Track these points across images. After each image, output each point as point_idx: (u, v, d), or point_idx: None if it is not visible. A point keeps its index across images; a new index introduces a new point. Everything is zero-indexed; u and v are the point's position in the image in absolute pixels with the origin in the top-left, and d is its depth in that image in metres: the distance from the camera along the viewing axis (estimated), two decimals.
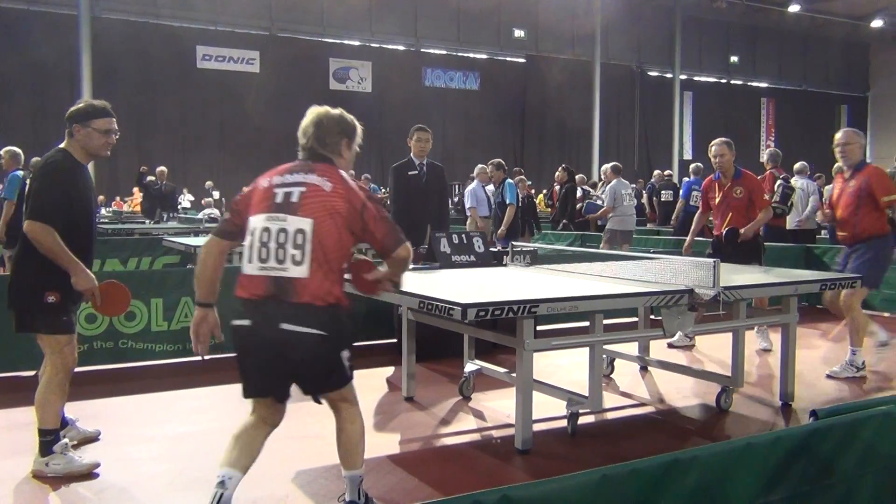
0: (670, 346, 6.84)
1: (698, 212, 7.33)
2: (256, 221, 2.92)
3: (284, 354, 2.84)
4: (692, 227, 7.22)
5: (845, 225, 6.08)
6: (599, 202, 11.76)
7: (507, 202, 9.79)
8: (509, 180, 10.15)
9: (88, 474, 3.81)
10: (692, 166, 12.88)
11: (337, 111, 3.16)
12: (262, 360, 2.90)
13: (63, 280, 3.74)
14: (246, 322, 2.89)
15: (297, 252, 2.81)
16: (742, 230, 6.43)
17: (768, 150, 10.55)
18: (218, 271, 3.06)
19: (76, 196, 3.81)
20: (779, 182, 9.57)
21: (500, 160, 10.22)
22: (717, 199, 6.72)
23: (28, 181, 4.03)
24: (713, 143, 6.75)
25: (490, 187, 12.81)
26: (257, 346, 2.88)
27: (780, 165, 9.94)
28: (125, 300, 4.13)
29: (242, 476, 2.92)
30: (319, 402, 3.06)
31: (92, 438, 4.30)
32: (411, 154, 6.86)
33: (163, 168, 15.58)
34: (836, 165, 6.71)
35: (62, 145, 3.88)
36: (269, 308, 2.83)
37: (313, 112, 3.14)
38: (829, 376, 5.95)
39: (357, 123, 3.21)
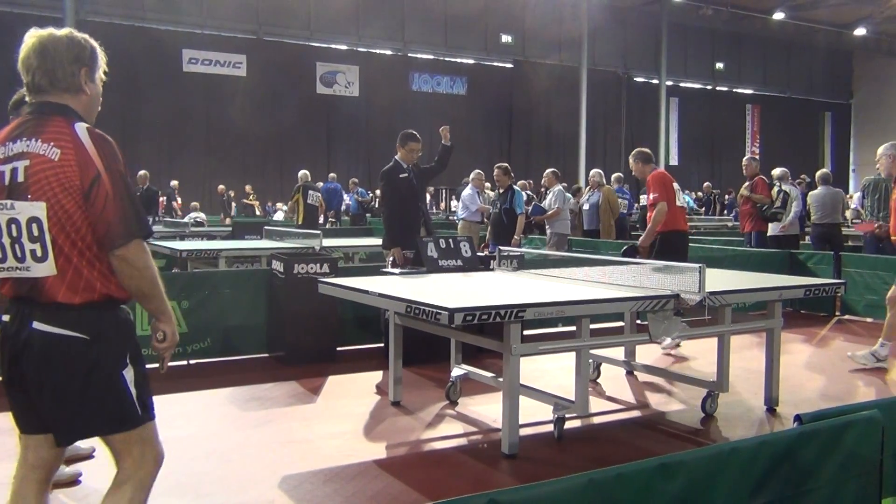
0: (664, 350, 6.85)
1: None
2: None
3: (35, 365, 2.27)
4: None
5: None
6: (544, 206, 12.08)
7: (518, 211, 10.01)
8: (517, 188, 10.37)
9: (70, 482, 3.77)
10: (614, 176, 13.37)
11: (64, 31, 2.42)
12: (14, 369, 2.33)
13: None
14: (6, 318, 2.36)
15: (36, 246, 2.24)
16: (639, 243, 6.73)
17: (752, 157, 10.66)
18: None
19: None
20: (777, 188, 9.82)
21: (506, 165, 10.41)
22: None
23: None
24: None
25: (488, 192, 13.01)
26: (10, 349, 2.33)
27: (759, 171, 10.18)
28: None
29: None
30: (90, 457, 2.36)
31: (84, 456, 4.11)
32: (398, 158, 6.86)
33: (143, 172, 15.22)
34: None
35: None
36: (23, 307, 2.30)
37: (33, 38, 2.39)
38: (849, 356, 6.44)
39: (96, 45, 2.47)
